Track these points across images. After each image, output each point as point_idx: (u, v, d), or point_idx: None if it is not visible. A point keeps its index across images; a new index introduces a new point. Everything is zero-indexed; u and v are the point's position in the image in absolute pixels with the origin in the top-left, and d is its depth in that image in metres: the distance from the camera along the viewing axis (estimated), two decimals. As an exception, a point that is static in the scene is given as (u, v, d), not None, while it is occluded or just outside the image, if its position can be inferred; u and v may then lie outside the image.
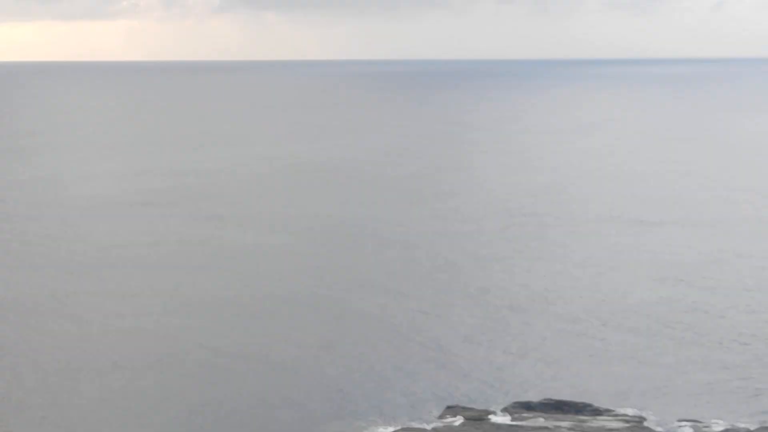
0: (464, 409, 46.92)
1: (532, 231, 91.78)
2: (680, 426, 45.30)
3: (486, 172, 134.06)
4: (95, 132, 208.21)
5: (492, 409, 47.12)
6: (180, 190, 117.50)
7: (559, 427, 44.02)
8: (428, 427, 44.99)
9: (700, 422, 45.50)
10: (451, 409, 46.82)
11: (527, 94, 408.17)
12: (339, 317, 63.47)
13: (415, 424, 45.59)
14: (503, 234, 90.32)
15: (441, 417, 46.14)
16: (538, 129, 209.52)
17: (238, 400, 48.89)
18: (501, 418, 45.76)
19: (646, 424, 45.33)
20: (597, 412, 46.56)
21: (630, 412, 46.85)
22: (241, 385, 50.85)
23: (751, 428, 44.45)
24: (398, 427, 44.99)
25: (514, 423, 45.00)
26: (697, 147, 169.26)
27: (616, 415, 46.20)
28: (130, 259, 79.42)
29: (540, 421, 45.03)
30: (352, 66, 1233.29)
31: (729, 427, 44.83)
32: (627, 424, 44.86)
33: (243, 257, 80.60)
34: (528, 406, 47.10)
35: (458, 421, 45.38)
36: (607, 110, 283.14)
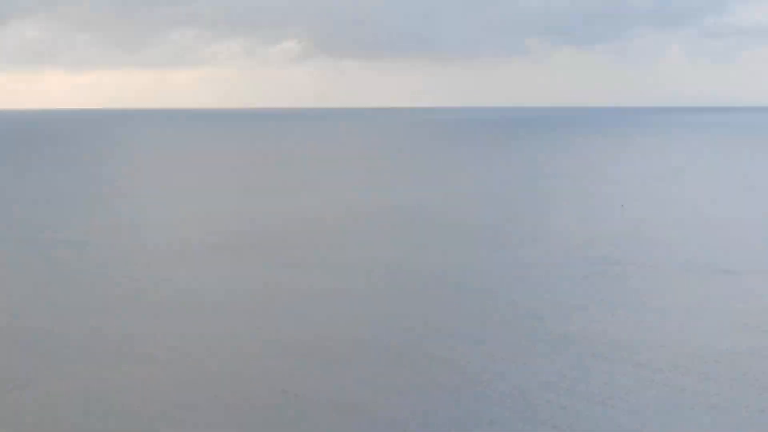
0: (544, 458, 46.10)
1: (613, 279, 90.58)
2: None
3: (566, 220, 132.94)
4: (176, 177, 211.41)
5: (572, 459, 46.20)
6: (257, 235, 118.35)
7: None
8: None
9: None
10: (531, 459, 46.05)
11: (608, 141, 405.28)
12: (414, 363, 62.99)
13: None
14: (584, 282, 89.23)
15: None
16: (620, 176, 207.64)
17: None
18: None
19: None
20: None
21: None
22: (311, 430, 50.60)
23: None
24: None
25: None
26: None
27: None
28: (208, 304, 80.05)
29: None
30: (431, 113, 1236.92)
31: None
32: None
33: (317, 302, 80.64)
34: (609, 457, 46.09)
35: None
36: (690, 157, 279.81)
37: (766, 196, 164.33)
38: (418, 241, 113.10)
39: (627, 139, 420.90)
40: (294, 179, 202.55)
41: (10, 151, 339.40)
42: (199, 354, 65.02)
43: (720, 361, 62.92)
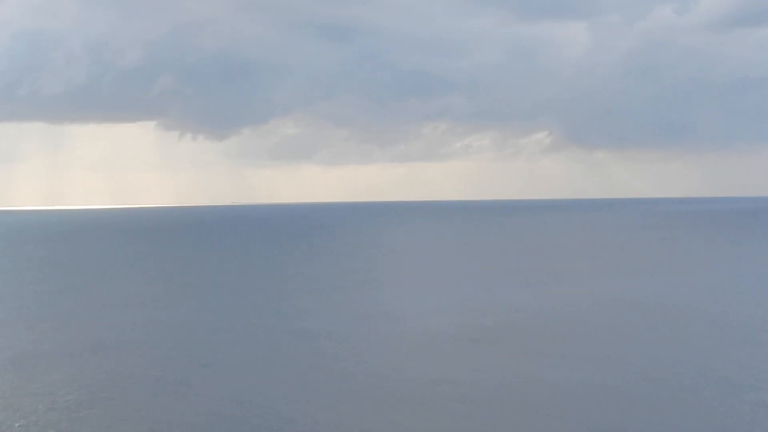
0: None
1: None
2: None
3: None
4: (426, 268, 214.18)
5: None
6: (507, 326, 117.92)
7: None
8: None
9: None
10: None
11: None
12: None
13: None
14: None
15: None
16: None
17: None
18: None
19: None
20: None
21: None
22: None
23: None
24: None
25: None
26: None
27: None
28: (454, 397, 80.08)
29: None
30: (688, 203, 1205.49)
31: None
32: None
33: (567, 397, 79.27)
34: None
35: None
36: None
37: None
38: (671, 337, 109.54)
39: None
40: (544, 271, 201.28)
41: (267, 242, 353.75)
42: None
43: None
